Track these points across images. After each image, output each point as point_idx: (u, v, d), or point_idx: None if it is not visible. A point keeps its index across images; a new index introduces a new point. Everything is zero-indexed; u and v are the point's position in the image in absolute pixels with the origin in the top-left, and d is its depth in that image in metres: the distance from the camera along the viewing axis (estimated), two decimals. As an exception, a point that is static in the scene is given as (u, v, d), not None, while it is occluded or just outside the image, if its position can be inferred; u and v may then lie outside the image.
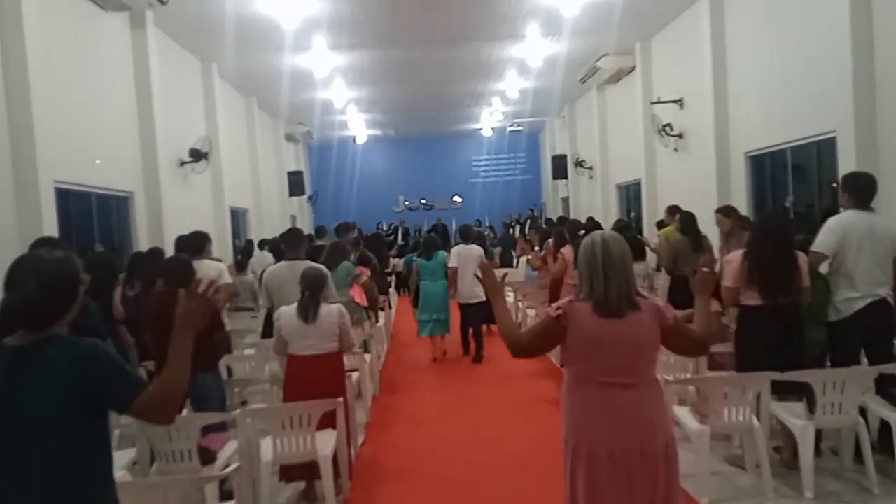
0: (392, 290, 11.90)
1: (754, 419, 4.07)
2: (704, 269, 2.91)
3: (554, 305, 2.64)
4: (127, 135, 9.01)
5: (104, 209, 8.66)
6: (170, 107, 9.91)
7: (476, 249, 8.31)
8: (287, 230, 6.30)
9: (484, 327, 8.60)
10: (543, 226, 13.99)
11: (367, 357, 6.69)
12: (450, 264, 8.27)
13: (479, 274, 2.93)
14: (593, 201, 16.25)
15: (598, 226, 7.30)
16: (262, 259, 9.66)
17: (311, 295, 4.46)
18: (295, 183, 17.64)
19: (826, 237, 4.36)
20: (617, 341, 2.51)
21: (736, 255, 4.39)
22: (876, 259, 4.28)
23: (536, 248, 10.31)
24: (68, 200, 7.51)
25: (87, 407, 1.95)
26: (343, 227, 8.89)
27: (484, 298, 7.57)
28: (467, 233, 8.73)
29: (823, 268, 4.44)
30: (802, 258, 4.31)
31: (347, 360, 4.90)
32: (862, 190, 4.42)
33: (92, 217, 8.34)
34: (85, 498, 1.99)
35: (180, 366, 2.05)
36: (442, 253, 8.58)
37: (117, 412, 2.03)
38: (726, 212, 6.60)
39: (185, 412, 4.37)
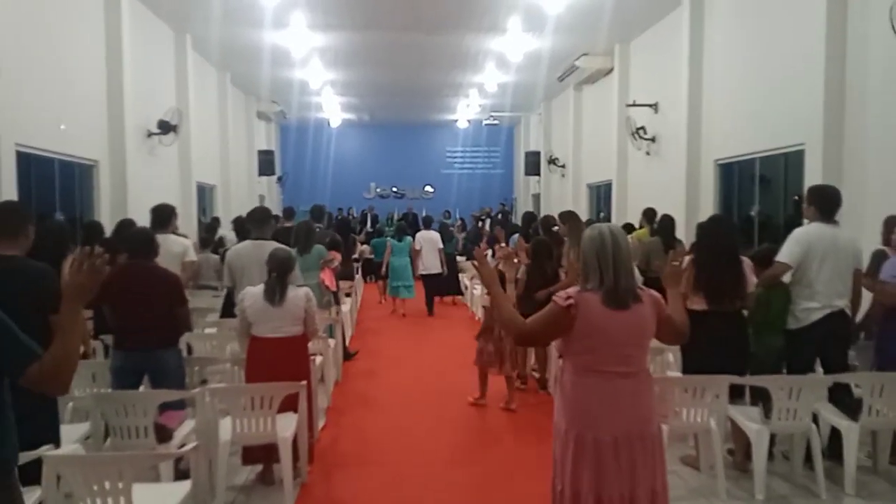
0: (358, 276, 11.83)
1: (712, 421, 4.15)
2: (674, 263, 3.04)
3: (562, 294, 2.65)
4: (95, 102, 8.74)
5: (67, 177, 8.39)
6: (140, 76, 9.64)
7: (435, 234, 11.38)
8: (253, 209, 6.15)
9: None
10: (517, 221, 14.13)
11: (332, 342, 6.64)
12: (415, 247, 11.12)
13: (476, 263, 3.01)
14: (564, 199, 16.36)
15: (573, 217, 7.38)
16: (226, 238, 9.49)
17: (279, 277, 4.39)
18: (265, 162, 17.37)
19: (791, 248, 4.46)
20: (622, 331, 2.60)
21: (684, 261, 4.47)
22: (837, 271, 4.40)
23: (503, 244, 10.34)
24: (30, 165, 7.25)
25: None
26: (318, 211, 8.80)
27: (439, 271, 11.15)
28: (428, 221, 12.23)
29: (786, 277, 4.54)
30: (748, 265, 4.42)
31: (311, 345, 4.85)
32: (828, 203, 4.53)
33: (54, 184, 8.07)
34: None
35: (70, 338, 2.04)
36: (408, 238, 11.35)
37: (10, 379, 2.03)
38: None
39: (142, 388, 4.29)
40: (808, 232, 4.51)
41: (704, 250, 4.51)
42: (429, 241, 11.16)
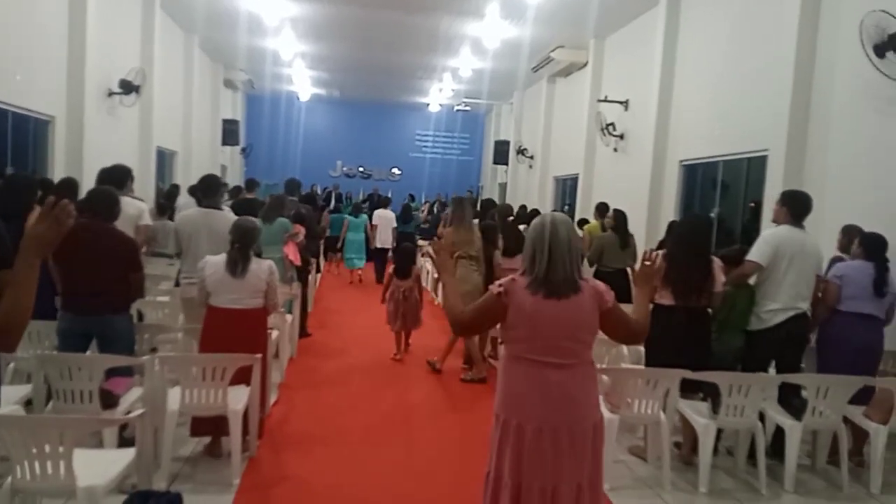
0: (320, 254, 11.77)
1: (661, 413, 4.23)
2: (647, 263, 2.95)
3: (497, 283, 2.64)
4: (54, 56, 8.38)
5: (20, 131, 8.04)
6: (104, 32, 9.27)
7: (390, 213, 12.73)
8: (205, 176, 5.94)
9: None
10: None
11: (289, 318, 6.54)
12: (372, 222, 12.67)
13: (431, 252, 2.95)
14: (530, 190, 16.44)
15: (535, 214, 7.40)
16: (188, 204, 9.24)
17: (242, 248, 4.29)
18: (229, 132, 16.98)
19: (761, 248, 4.56)
20: (555, 322, 2.54)
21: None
22: (802, 274, 4.53)
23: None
24: (-20, 116, 6.93)
25: None
26: (292, 185, 8.68)
27: (390, 246, 12.26)
28: (385, 202, 13.57)
29: (752, 277, 4.64)
30: (717, 264, 4.51)
31: (269, 319, 4.76)
32: (800, 207, 4.65)
33: (6, 138, 7.73)
34: None
35: (22, 293, 1.93)
36: (364, 215, 13.10)
37: None
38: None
39: (89, 352, 4.15)
40: (777, 234, 4.61)
41: (680, 246, 4.53)
42: (385, 218, 12.64)
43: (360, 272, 12.84)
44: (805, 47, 6.68)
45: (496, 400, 2.69)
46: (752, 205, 8.26)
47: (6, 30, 7.20)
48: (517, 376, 2.61)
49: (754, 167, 8.01)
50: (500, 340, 2.79)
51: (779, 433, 4.49)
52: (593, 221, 9.56)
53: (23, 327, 1.97)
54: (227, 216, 5.26)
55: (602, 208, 9.30)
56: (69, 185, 5.65)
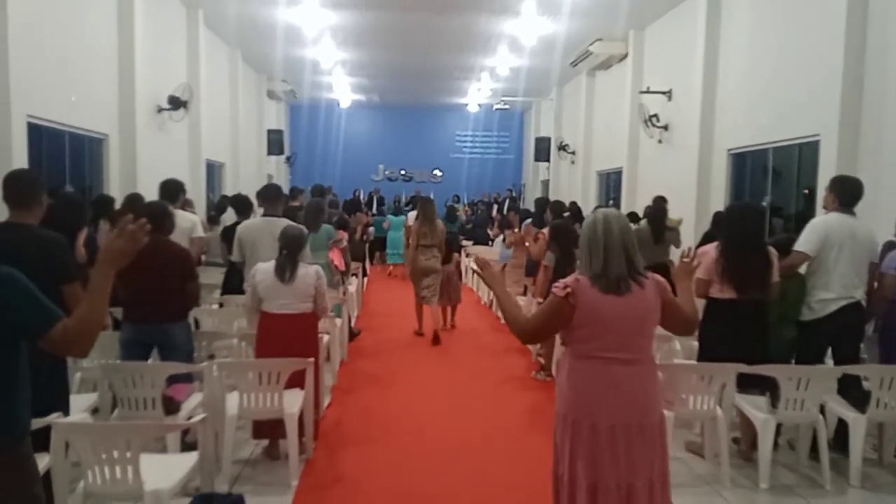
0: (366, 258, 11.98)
1: (718, 409, 4.14)
2: (685, 260, 3.01)
3: (560, 284, 2.62)
4: (106, 75, 8.71)
5: (77, 149, 8.39)
6: (152, 51, 9.59)
7: None
8: (265, 186, 6.15)
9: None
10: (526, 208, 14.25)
11: (338, 322, 6.65)
12: (409, 223, 11.86)
13: (476, 268, 2.96)
14: (573, 186, 16.29)
15: (580, 211, 7.30)
16: (230, 216, 9.48)
17: (290, 254, 4.39)
18: (274, 141, 17.32)
19: (809, 237, 4.42)
20: (620, 317, 2.55)
21: (710, 248, 4.42)
22: (854, 262, 4.37)
23: (516, 230, 10.33)
24: (41, 137, 7.25)
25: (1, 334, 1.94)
26: (318, 190, 8.83)
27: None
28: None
29: (801, 267, 4.51)
30: (773, 254, 4.36)
31: (319, 323, 4.85)
32: (848, 193, 4.48)
33: (64, 156, 8.08)
34: None
35: (98, 302, 2.04)
36: (403, 215, 13.95)
37: (30, 341, 2.01)
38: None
39: (151, 360, 4.31)
40: (826, 221, 4.46)
41: (733, 237, 4.35)
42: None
43: (391, 267, 14.08)
44: (855, 26, 6.45)
45: (562, 401, 2.68)
46: (806, 192, 8.01)
47: (62, 53, 7.53)
48: (586, 375, 2.61)
49: (806, 153, 7.77)
50: (561, 342, 2.77)
51: (841, 426, 4.35)
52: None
53: (95, 334, 2.07)
54: (289, 224, 5.39)
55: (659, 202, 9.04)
56: (135, 202, 5.89)
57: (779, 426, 4.26)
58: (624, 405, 2.56)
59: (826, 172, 6.40)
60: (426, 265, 8.01)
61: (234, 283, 6.10)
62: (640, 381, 2.60)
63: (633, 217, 10.09)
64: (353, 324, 8.10)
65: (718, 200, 9.35)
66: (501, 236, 10.66)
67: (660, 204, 7.63)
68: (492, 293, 5.95)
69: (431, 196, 15.62)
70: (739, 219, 4.47)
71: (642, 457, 2.55)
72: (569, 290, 2.56)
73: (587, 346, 2.60)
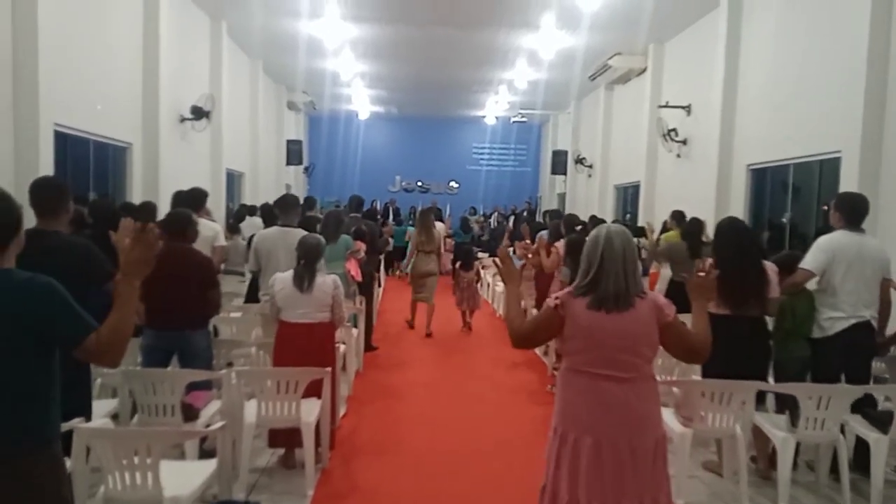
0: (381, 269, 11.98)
1: (737, 427, 4.10)
2: (701, 274, 2.79)
3: (553, 295, 2.65)
4: (130, 85, 8.87)
5: (101, 157, 8.53)
6: (176, 61, 9.76)
7: (441, 225, 12.53)
8: (282, 196, 6.22)
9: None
10: (539, 220, 14.24)
11: (355, 332, 6.67)
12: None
13: (497, 262, 2.93)
14: (590, 200, 16.26)
15: (598, 223, 7.26)
16: (252, 224, 9.58)
17: (308, 264, 4.44)
18: (293, 152, 17.48)
19: (815, 255, 4.37)
20: (611, 334, 2.52)
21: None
22: (863, 280, 4.31)
23: (528, 241, 10.31)
24: (67, 145, 7.39)
25: (37, 342, 1.99)
26: (355, 201, 9.09)
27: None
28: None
29: (811, 284, 4.46)
30: (772, 269, 4.30)
31: (336, 333, 4.88)
32: (854, 210, 4.43)
33: (88, 164, 8.22)
34: (27, 417, 2.01)
35: (128, 310, 2.10)
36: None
37: (65, 350, 2.06)
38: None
39: (171, 367, 4.35)
40: (832, 239, 4.41)
41: (727, 250, 4.30)
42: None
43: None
44: (878, 41, 6.41)
45: (554, 412, 2.69)
46: (825, 208, 7.92)
47: (88, 63, 7.68)
48: (575, 389, 2.61)
49: (827, 170, 7.70)
50: (557, 353, 2.79)
51: (861, 446, 4.28)
52: (673, 231, 9.27)
53: (126, 343, 2.12)
54: (307, 234, 5.44)
55: (678, 216, 9.02)
56: (148, 210, 5.96)
57: (797, 445, 4.21)
58: (613, 423, 2.51)
59: (848, 189, 6.34)
60: (424, 269, 9.04)
61: (256, 292, 6.16)
62: (633, 401, 2.53)
63: (638, 232, 10.06)
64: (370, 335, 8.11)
65: (737, 216, 9.26)
66: (512, 248, 10.64)
67: (695, 220, 7.59)
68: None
69: (436, 205, 15.87)
70: (733, 234, 4.41)
71: (632, 478, 2.49)
72: (559, 301, 2.58)
73: (577, 359, 2.60)
